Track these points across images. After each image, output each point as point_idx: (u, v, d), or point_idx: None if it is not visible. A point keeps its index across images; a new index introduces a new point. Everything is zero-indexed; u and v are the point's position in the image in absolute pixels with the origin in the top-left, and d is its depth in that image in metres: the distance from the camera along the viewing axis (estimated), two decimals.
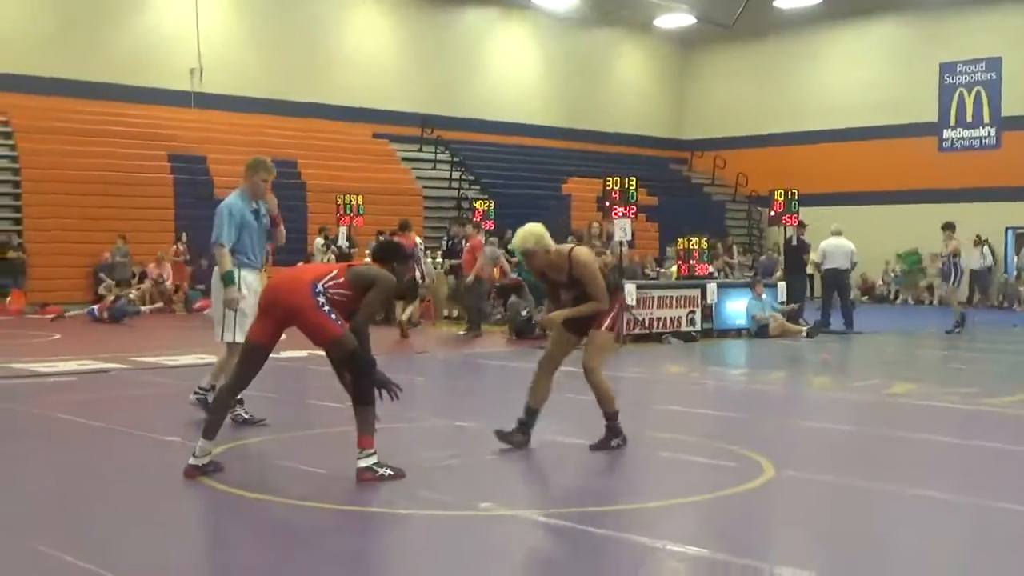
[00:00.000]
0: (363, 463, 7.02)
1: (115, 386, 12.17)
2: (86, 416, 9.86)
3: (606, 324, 8.20)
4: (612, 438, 8.20)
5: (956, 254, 20.56)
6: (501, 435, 8.24)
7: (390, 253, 7.56)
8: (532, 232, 8.03)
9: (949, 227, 20.69)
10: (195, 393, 9.53)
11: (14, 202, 26.12)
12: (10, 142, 26.96)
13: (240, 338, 8.58)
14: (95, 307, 22.06)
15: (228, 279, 9.00)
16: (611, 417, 8.25)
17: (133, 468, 7.68)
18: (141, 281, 25.12)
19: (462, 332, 19.25)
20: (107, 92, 29.54)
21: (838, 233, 20.92)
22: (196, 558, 5.71)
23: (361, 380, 7.09)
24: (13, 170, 26.35)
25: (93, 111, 28.92)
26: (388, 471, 7.04)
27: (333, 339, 6.97)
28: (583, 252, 8.11)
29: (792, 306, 19.96)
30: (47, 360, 14.15)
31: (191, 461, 7.14)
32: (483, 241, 20.53)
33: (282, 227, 9.79)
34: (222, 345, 9.19)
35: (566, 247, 8.19)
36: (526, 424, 8.28)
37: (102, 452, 8.35)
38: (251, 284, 9.12)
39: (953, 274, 20.69)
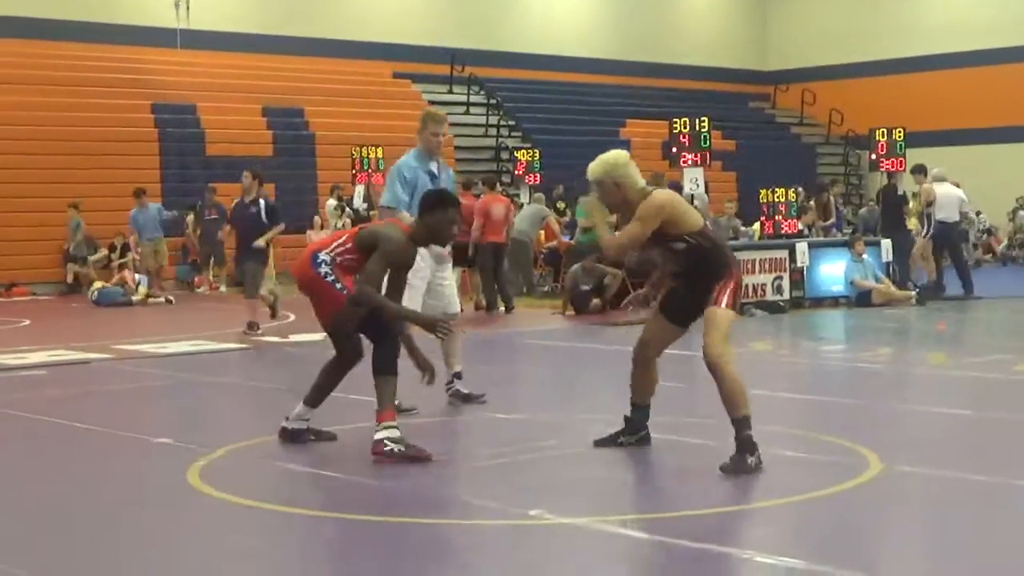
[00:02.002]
0: (380, 435, 7.17)
1: (96, 379, 12.29)
2: (63, 415, 9.95)
3: (725, 300, 7.51)
4: (747, 455, 7.25)
5: (930, 203, 20.38)
6: (601, 442, 8.05)
7: (426, 205, 7.63)
8: (605, 159, 7.50)
9: (919, 170, 20.54)
10: (447, 384, 9.93)
11: None
12: None
13: (456, 307, 9.88)
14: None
15: None
16: (742, 425, 7.31)
17: (121, 477, 7.76)
18: (123, 255, 25.29)
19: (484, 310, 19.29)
20: (77, 32, 29.71)
21: (942, 179, 20.73)
22: None
23: (383, 347, 7.22)
24: None
25: (61, 55, 29.10)
26: (402, 447, 7.25)
27: (337, 310, 7.07)
28: (661, 194, 7.53)
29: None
30: (16, 350, 14.31)
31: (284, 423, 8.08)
32: (499, 201, 20.15)
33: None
34: None
35: (653, 188, 7.57)
36: (633, 422, 8.05)
37: (83, 458, 8.43)
38: (424, 253, 9.36)
39: (925, 226, 20.58)
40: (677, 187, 19.53)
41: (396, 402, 7.90)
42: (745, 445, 7.26)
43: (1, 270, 24.97)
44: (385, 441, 7.31)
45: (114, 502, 7.06)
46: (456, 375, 10.01)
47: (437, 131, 9.85)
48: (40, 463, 8.38)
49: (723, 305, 7.50)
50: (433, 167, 9.81)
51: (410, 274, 8.60)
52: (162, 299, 22.35)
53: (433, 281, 9.73)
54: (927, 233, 20.58)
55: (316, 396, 8.15)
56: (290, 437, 8.16)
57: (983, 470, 7.45)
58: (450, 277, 10.22)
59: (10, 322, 18.73)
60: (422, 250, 9.07)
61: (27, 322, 18.77)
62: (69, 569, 5.71)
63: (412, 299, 9.09)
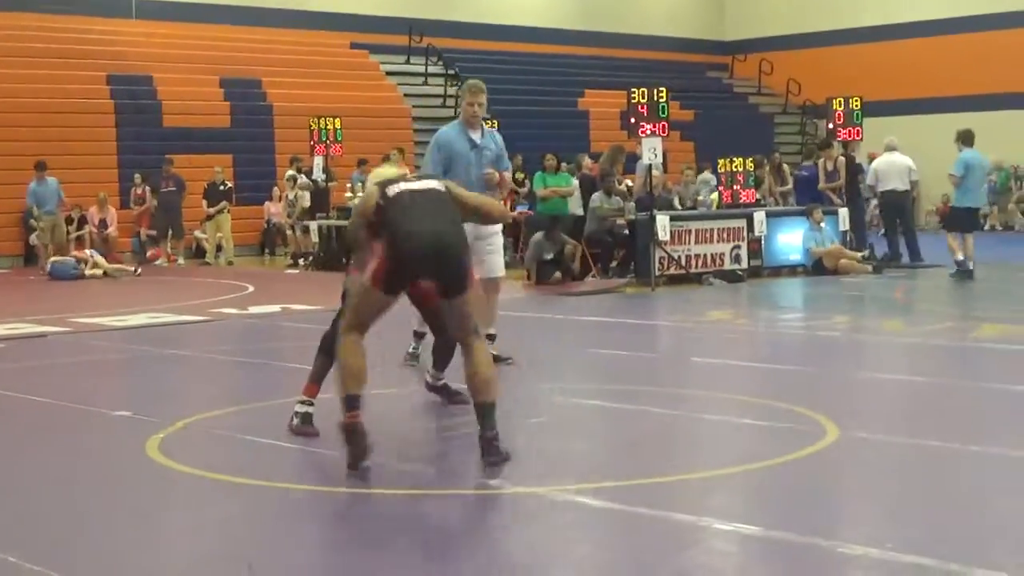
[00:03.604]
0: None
1: (53, 353, 12.21)
2: (21, 389, 9.89)
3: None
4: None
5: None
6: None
7: None
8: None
9: (825, 146, 20.99)
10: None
11: None
12: None
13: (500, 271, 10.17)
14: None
15: None
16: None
17: (80, 450, 7.72)
18: (80, 228, 25.13)
19: None
20: (32, 3, 29.38)
21: (892, 148, 20.85)
22: (172, 555, 5.75)
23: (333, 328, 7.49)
24: None
25: (15, 26, 28.76)
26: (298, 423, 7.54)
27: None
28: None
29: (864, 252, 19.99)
30: None
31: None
32: None
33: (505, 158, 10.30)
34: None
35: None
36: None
37: (42, 432, 8.38)
38: None
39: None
40: (635, 158, 19.58)
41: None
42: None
43: None
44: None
45: (73, 475, 7.02)
46: (489, 336, 9.85)
47: (472, 100, 10.05)
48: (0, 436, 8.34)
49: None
50: (475, 136, 10.01)
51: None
52: (131, 270, 22.14)
53: (477, 246, 9.65)
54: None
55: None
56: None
57: (938, 436, 7.52)
58: (497, 243, 10.34)
59: None
60: None
61: None
62: (23, 543, 5.68)
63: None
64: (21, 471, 7.20)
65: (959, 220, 18.64)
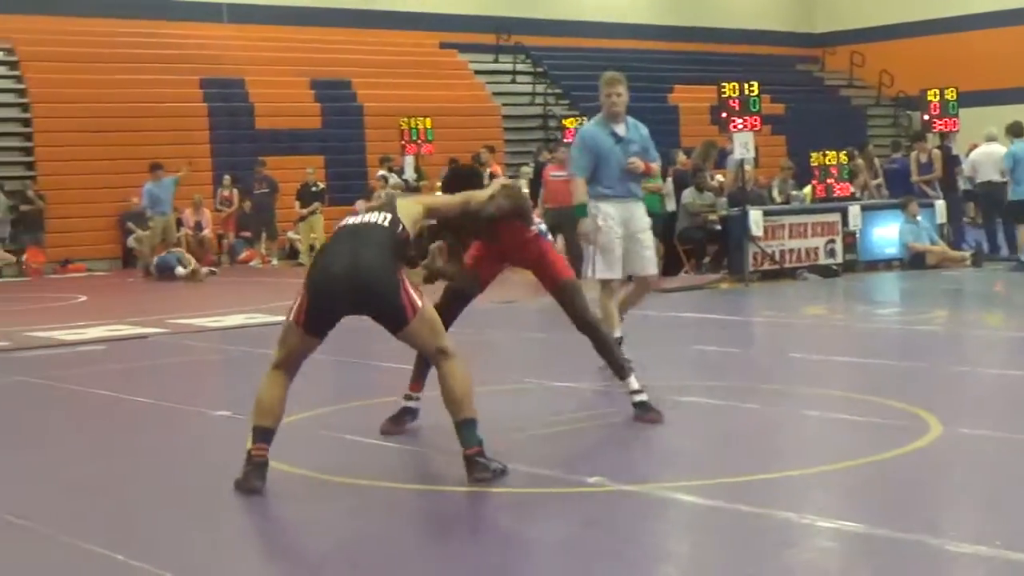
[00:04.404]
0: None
1: (153, 354, 12.40)
2: (124, 390, 10.07)
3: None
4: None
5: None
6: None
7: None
8: None
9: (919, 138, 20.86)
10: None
11: (25, 143, 26.58)
12: (15, 72, 27.40)
13: (601, 274, 9.82)
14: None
15: (578, 211, 9.87)
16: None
17: (183, 450, 7.83)
18: (176, 230, 25.46)
19: None
20: (126, 9, 29.82)
21: (992, 139, 20.53)
22: (279, 554, 5.81)
23: None
24: (22, 105, 26.81)
25: (110, 32, 29.25)
26: None
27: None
28: None
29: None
30: (73, 326, 14.45)
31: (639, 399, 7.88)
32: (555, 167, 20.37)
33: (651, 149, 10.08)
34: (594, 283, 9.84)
35: None
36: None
37: (145, 431, 8.52)
38: (613, 216, 9.75)
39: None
40: (726, 153, 19.46)
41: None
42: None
43: (57, 247, 25.23)
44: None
45: (176, 475, 7.11)
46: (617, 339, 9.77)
47: (610, 92, 9.81)
48: (102, 437, 8.48)
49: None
50: (618, 129, 9.81)
51: (602, 237, 9.52)
52: (206, 271, 22.48)
53: (630, 245, 9.79)
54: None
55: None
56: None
57: None
58: (650, 240, 10.19)
59: (67, 298, 18.92)
60: (610, 211, 9.65)
61: (83, 298, 18.94)
62: (134, 541, 5.77)
63: (609, 263, 9.72)
64: (126, 470, 7.31)
65: (1015, 212, 18.44)
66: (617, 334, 9.61)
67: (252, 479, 6.44)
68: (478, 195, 7.29)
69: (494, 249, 7.76)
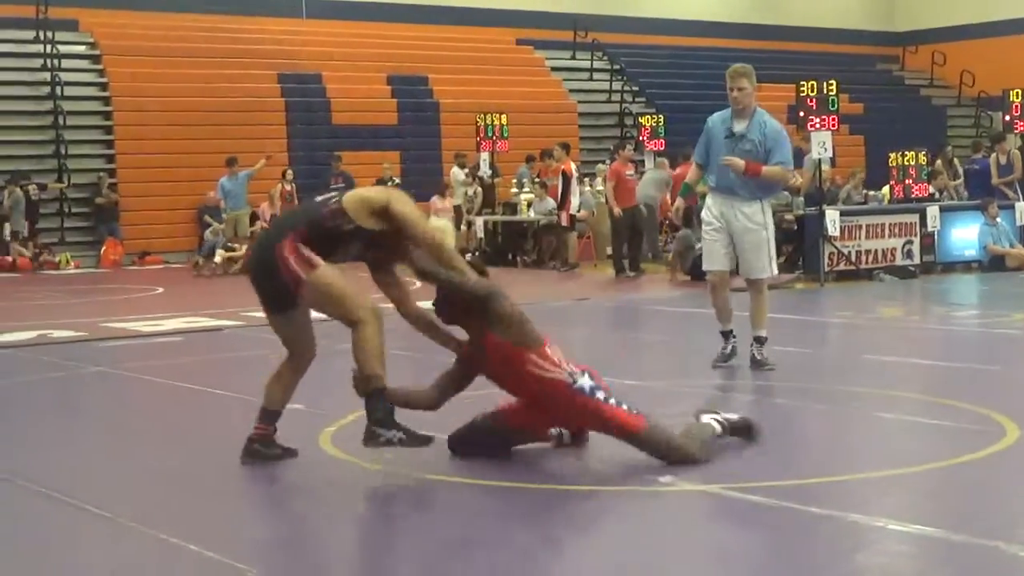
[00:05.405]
0: None
1: (229, 347, 12.53)
2: (199, 382, 10.18)
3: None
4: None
5: None
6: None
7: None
8: None
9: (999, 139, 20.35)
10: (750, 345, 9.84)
11: (105, 136, 26.94)
12: (98, 67, 27.76)
13: (704, 265, 9.93)
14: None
15: (682, 191, 10.27)
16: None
17: None
18: (252, 224, 25.65)
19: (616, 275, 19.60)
20: (204, 4, 30.15)
21: None
22: (355, 548, 5.85)
23: None
24: (103, 99, 27.17)
25: (188, 27, 29.58)
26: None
27: None
28: None
29: None
30: (150, 318, 14.63)
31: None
32: (626, 166, 20.57)
33: (777, 151, 9.63)
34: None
35: None
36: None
37: (220, 422, 8.60)
38: (712, 210, 9.73)
39: None
40: (802, 152, 19.31)
41: None
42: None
43: (134, 239, 25.54)
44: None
45: (251, 468, 7.16)
46: (756, 339, 9.76)
47: (732, 86, 9.68)
48: (179, 428, 8.57)
49: None
50: (739, 126, 9.57)
51: (706, 231, 9.63)
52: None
53: (736, 243, 9.67)
54: None
55: None
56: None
57: None
58: (753, 240, 9.67)
59: (145, 290, 19.16)
60: (710, 203, 9.69)
61: (160, 290, 19.17)
62: (209, 531, 5.83)
63: (706, 253, 9.81)
64: (202, 464, 7.37)
65: None
66: (728, 327, 9.80)
67: (245, 455, 6.99)
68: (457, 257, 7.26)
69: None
